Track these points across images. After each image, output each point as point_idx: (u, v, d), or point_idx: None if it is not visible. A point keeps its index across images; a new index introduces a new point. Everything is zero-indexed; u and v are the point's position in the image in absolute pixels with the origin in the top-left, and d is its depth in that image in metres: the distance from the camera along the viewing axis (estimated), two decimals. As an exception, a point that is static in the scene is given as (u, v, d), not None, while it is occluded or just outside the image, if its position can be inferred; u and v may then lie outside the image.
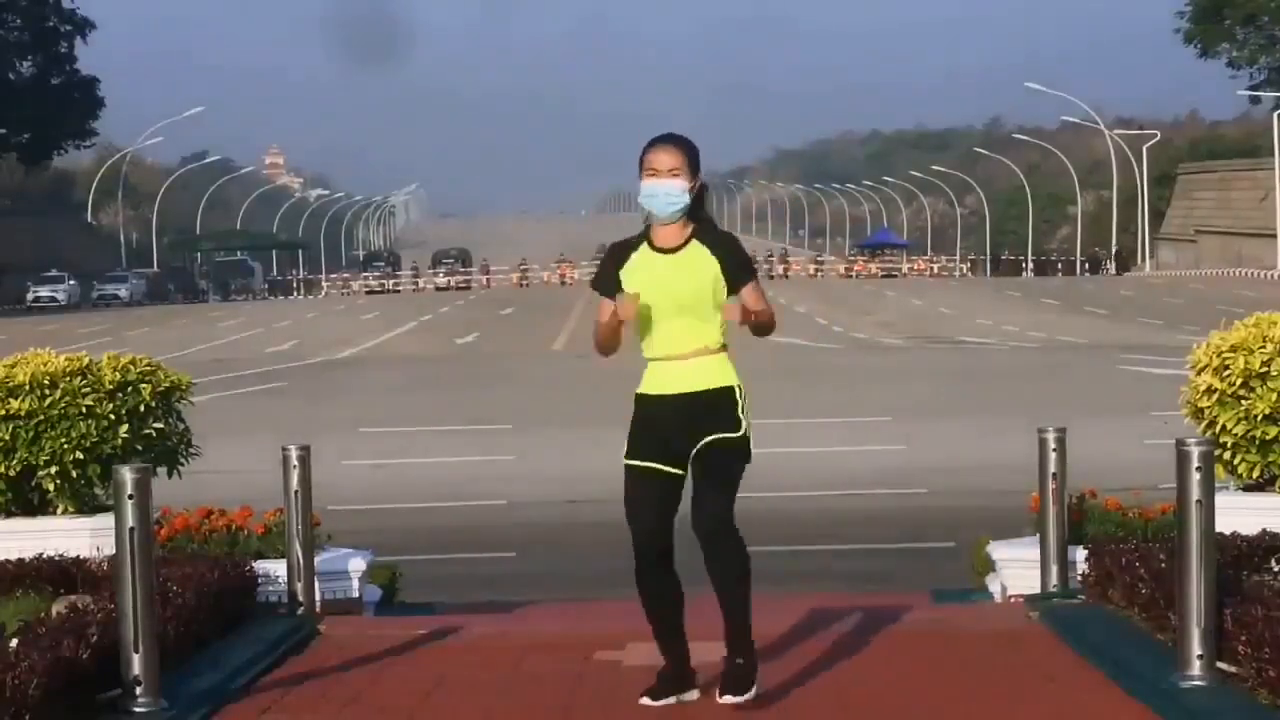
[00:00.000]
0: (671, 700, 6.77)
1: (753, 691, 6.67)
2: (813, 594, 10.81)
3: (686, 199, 6.73)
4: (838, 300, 61.12)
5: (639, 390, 6.79)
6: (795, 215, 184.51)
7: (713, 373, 6.70)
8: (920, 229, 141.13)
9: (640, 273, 6.74)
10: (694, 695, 6.83)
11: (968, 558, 11.10)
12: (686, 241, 6.75)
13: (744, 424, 6.70)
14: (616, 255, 6.84)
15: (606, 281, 6.81)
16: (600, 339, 6.81)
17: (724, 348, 6.74)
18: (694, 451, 6.67)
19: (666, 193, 6.71)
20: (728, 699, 6.64)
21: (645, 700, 6.78)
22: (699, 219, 6.80)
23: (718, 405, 6.68)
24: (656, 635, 6.83)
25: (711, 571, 6.64)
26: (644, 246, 6.80)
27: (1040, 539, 9.18)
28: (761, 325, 6.75)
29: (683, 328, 6.69)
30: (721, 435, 6.65)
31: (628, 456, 6.75)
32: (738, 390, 6.72)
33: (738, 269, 6.74)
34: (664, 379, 6.72)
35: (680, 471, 6.72)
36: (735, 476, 6.69)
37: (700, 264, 6.71)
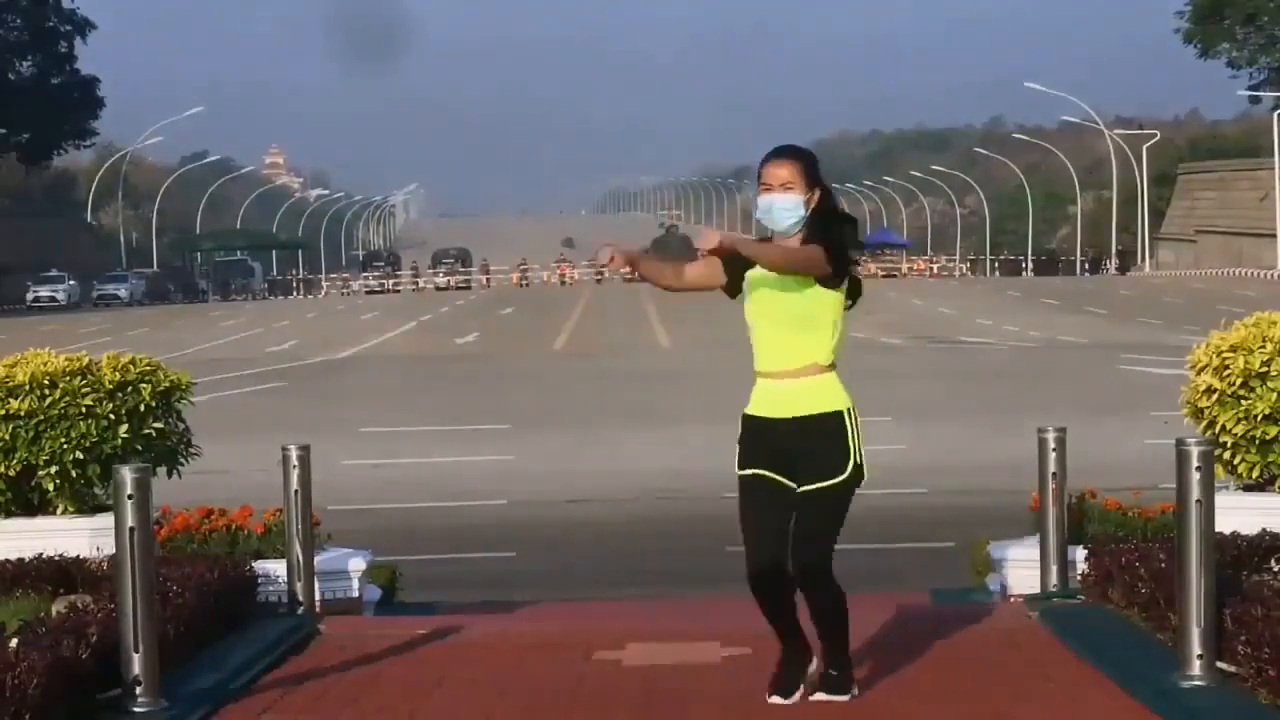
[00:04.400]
0: (799, 693, 6.81)
1: (850, 694, 6.85)
2: (813, 594, 10.79)
3: (802, 211, 6.69)
4: (838, 300, 60.97)
5: (747, 411, 6.73)
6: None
7: (824, 394, 6.67)
8: (920, 229, 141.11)
9: (761, 282, 6.70)
10: (813, 665, 6.87)
11: (968, 558, 11.10)
12: None
13: (851, 456, 6.68)
14: (744, 261, 6.73)
15: (731, 266, 6.74)
16: (670, 270, 6.80)
17: (833, 365, 6.72)
18: (802, 489, 6.65)
19: (781, 207, 6.69)
20: (820, 696, 6.81)
21: (776, 699, 6.80)
22: (827, 225, 6.70)
23: (827, 433, 6.66)
24: (777, 631, 6.82)
25: (805, 599, 6.77)
26: None
27: (1040, 539, 9.19)
28: (792, 263, 6.64)
29: (795, 341, 6.65)
30: (826, 483, 6.64)
31: (741, 467, 6.71)
32: (847, 414, 6.71)
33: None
34: (773, 400, 6.67)
35: (792, 484, 6.68)
36: (836, 523, 6.71)
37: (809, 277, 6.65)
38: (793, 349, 6.67)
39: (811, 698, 6.83)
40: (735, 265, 6.74)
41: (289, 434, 11.26)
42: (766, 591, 6.71)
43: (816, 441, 6.66)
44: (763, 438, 6.68)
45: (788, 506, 6.66)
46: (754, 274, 6.73)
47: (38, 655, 6.32)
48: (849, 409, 6.72)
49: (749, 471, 6.70)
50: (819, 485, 6.65)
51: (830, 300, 6.71)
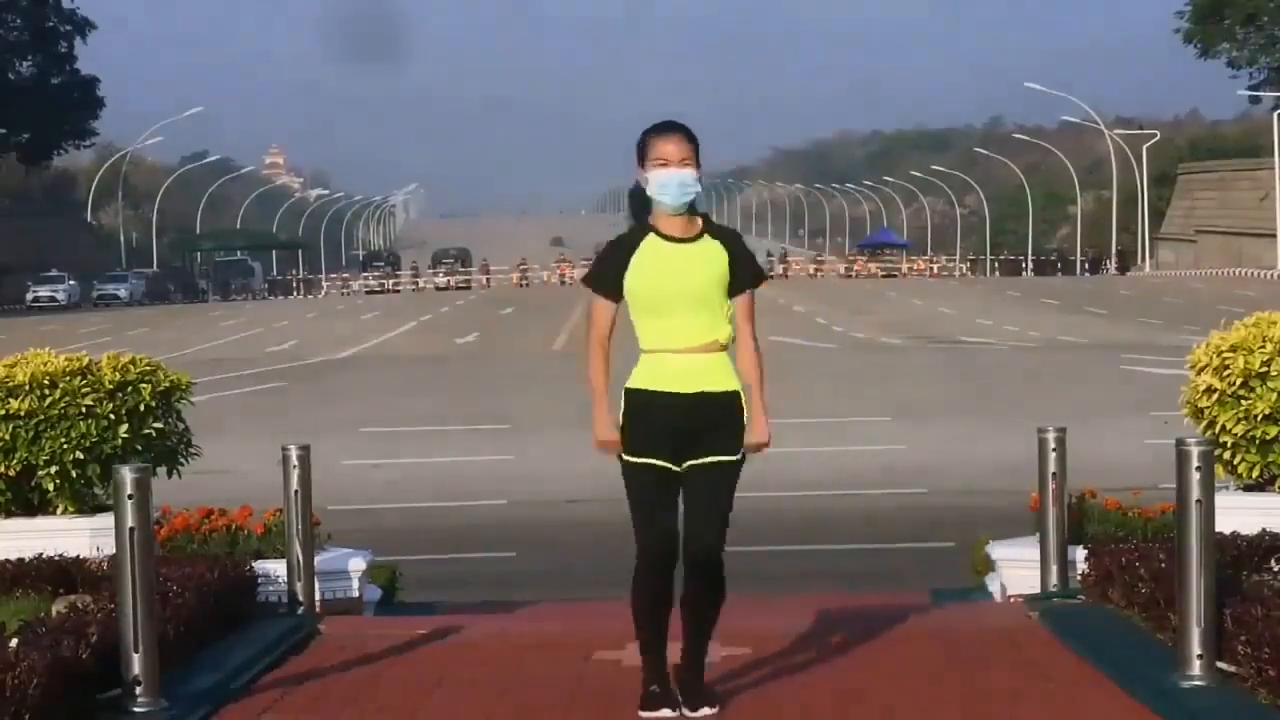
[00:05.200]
0: (666, 712, 6.61)
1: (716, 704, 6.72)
2: (813, 594, 10.82)
3: (699, 187, 6.59)
4: (838, 300, 61.10)
5: (633, 385, 6.52)
6: (795, 215, 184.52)
7: (721, 373, 6.53)
8: (920, 229, 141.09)
9: (652, 262, 6.53)
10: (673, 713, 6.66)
11: (968, 558, 11.10)
12: (700, 233, 6.60)
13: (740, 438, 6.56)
14: (620, 250, 6.59)
15: (607, 279, 6.59)
16: (590, 354, 6.62)
17: (728, 346, 6.58)
18: (692, 463, 6.50)
19: (681, 182, 6.54)
20: (704, 711, 6.63)
21: (666, 713, 6.60)
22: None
23: (725, 413, 6.52)
24: (646, 645, 6.64)
25: (692, 594, 6.61)
26: (651, 237, 6.58)
27: (1040, 539, 9.19)
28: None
29: (695, 321, 6.49)
30: (722, 459, 6.50)
31: (628, 452, 6.50)
32: (742, 394, 6.57)
33: (745, 271, 6.61)
34: (668, 374, 6.49)
35: (680, 469, 6.52)
36: (730, 504, 6.57)
37: (714, 256, 6.55)
38: (694, 329, 6.51)
39: (695, 713, 6.60)
40: (616, 273, 6.57)
41: (289, 434, 11.27)
42: (659, 581, 6.49)
43: (716, 417, 6.50)
44: (655, 414, 6.48)
45: (676, 489, 6.51)
46: (648, 256, 6.54)
47: (38, 655, 6.32)
48: (742, 390, 6.59)
49: (640, 460, 6.48)
50: (716, 460, 6.48)
51: (723, 285, 6.55)
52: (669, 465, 6.51)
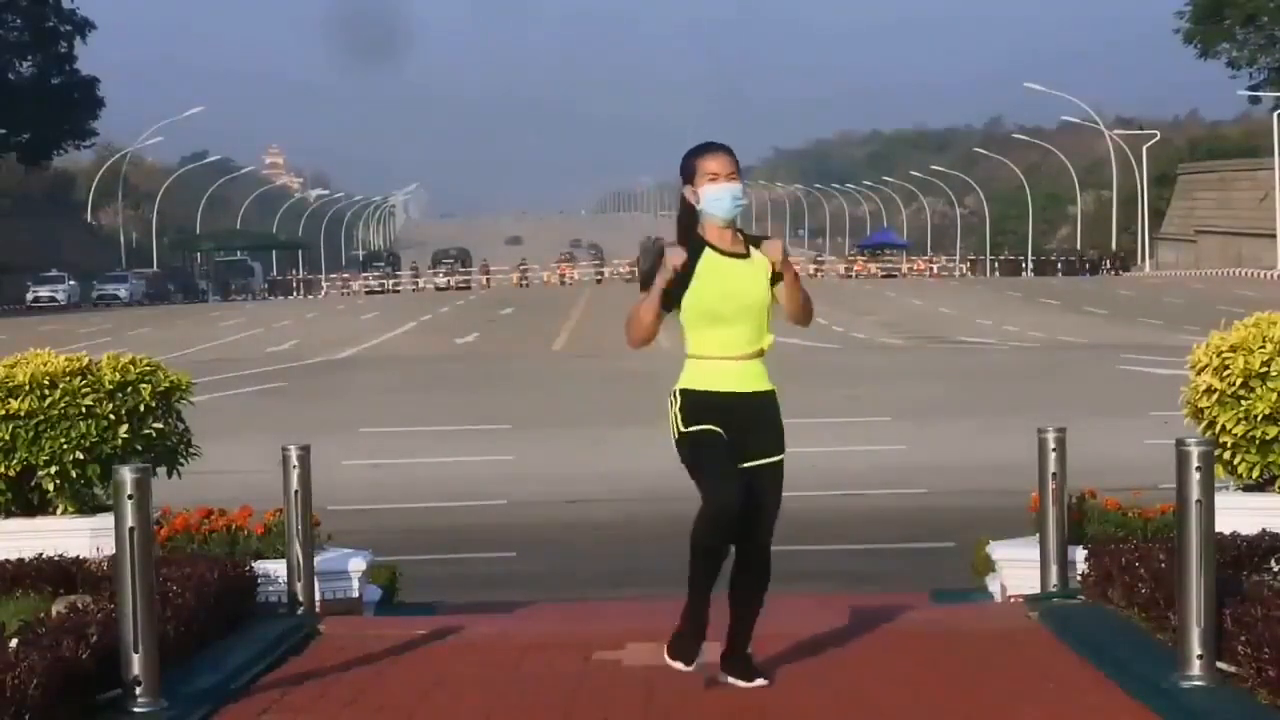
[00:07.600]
0: (703, 659, 7.00)
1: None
2: (813, 594, 10.82)
3: (745, 200, 7.07)
4: (838, 300, 61.10)
5: (685, 386, 6.91)
6: (795, 215, 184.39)
7: (762, 375, 6.95)
8: (920, 229, 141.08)
9: (713, 277, 6.90)
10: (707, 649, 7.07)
11: (968, 558, 11.10)
12: (747, 247, 7.00)
13: (783, 433, 6.96)
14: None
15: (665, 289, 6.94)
16: (642, 322, 6.90)
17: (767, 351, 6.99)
18: (744, 466, 6.85)
19: (733, 195, 6.99)
20: (760, 681, 7.04)
21: (679, 665, 6.98)
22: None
23: (768, 411, 6.92)
24: (699, 597, 6.93)
25: (743, 585, 7.01)
26: (708, 251, 6.96)
27: (1040, 539, 9.19)
28: (806, 300, 7.06)
29: (746, 331, 6.93)
30: (772, 460, 6.89)
31: (688, 425, 6.85)
32: (776, 394, 6.98)
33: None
34: (715, 377, 6.89)
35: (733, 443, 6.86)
36: (779, 502, 6.97)
37: (763, 269, 6.96)
38: (745, 338, 6.92)
39: (733, 680, 7.02)
40: (675, 286, 6.90)
41: (289, 434, 11.26)
42: (728, 531, 6.81)
43: (764, 415, 6.91)
44: (710, 407, 6.86)
45: (736, 458, 6.86)
46: (709, 271, 6.90)
47: (38, 655, 6.32)
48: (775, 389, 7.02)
49: (700, 427, 6.85)
50: (772, 460, 6.90)
51: (770, 296, 6.99)
52: (727, 436, 6.85)
